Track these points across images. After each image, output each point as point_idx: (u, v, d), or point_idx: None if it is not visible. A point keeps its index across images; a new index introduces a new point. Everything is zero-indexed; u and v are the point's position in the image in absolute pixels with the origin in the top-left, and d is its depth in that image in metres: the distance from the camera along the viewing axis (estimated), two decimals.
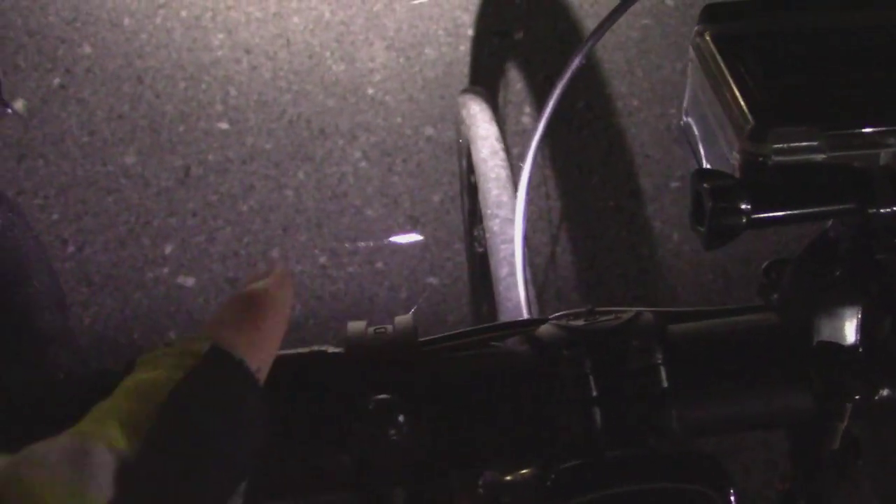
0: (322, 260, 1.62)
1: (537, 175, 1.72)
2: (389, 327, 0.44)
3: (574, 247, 1.66)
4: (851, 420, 0.44)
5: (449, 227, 1.66)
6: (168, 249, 1.62)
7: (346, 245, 1.63)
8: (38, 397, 0.42)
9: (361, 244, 1.63)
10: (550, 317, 0.46)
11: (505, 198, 1.13)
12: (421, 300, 1.57)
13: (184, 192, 1.68)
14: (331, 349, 0.44)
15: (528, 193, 0.66)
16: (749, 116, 0.40)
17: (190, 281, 1.59)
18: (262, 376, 0.37)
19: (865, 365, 0.43)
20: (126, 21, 1.89)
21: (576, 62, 0.58)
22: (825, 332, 0.43)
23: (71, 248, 1.62)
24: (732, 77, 0.42)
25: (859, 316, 0.42)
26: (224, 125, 1.76)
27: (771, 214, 0.38)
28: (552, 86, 0.58)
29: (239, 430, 0.34)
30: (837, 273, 0.43)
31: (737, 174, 0.41)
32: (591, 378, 0.42)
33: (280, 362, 0.39)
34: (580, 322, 0.45)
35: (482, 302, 1.32)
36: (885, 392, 0.43)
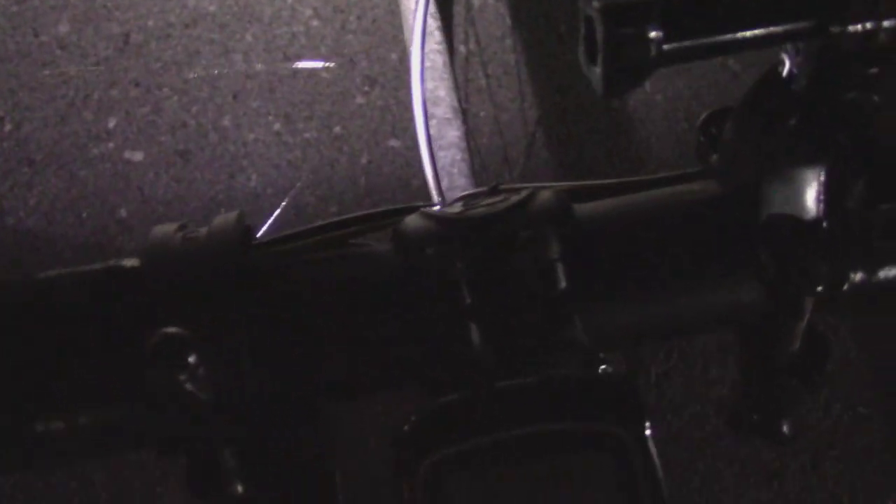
0: (276, 126, 1.53)
1: (501, 27, 1.63)
2: (204, 230, 0.33)
3: (542, 102, 1.59)
4: (816, 314, 0.33)
5: (410, 87, 1.57)
6: (112, 123, 1.53)
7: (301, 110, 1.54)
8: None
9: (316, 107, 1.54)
10: (421, 203, 0.36)
11: (442, 92, 1.00)
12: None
13: (124, 62, 1.58)
14: (129, 262, 0.33)
15: (422, 55, 0.57)
16: None
17: (138, 155, 1.51)
18: None
19: (831, 243, 0.32)
20: None
21: None
22: (778, 202, 0.32)
23: (8, 127, 1.53)
24: None
25: (822, 178, 0.32)
26: None
27: (692, 43, 0.28)
28: None
29: None
30: (792, 121, 0.32)
31: None
32: (462, 283, 0.32)
33: (63, 284, 0.31)
34: (456, 209, 0.34)
35: None
36: (857, 277, 0.32)
